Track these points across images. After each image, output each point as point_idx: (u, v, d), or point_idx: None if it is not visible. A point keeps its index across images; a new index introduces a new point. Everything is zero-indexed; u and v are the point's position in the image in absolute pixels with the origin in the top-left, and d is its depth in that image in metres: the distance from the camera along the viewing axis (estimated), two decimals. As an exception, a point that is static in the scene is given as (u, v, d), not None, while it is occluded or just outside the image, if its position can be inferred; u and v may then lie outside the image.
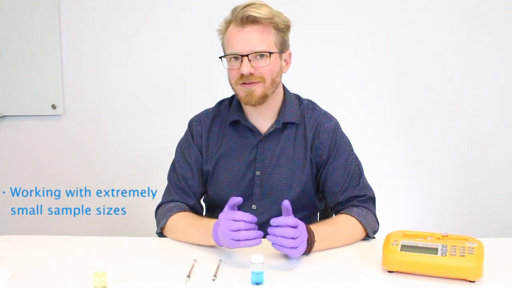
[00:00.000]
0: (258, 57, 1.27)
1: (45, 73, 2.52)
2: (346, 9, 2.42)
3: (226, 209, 1.18)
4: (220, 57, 1.34)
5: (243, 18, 1.25)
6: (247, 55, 1.26)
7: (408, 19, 2.42)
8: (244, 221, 1.12)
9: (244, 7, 1.26)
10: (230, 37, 1.29)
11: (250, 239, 1.11)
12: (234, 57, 1.28)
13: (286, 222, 1.10)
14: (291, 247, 1.10)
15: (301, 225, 1.14)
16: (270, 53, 1.28)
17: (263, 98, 1.31)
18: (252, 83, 1.28)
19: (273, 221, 1.11)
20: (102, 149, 2.58)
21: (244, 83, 1.28)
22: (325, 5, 2.42)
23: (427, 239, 1.11)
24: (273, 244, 1.11)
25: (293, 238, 1.10)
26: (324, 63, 2.45)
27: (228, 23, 1.31)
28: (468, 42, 2.41)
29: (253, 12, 1.24)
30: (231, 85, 1.34)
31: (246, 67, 1.26)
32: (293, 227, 1.11)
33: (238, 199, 1.17)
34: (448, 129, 2.48)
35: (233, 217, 1.12)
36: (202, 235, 1.26)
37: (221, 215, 1.15)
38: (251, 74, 1.27)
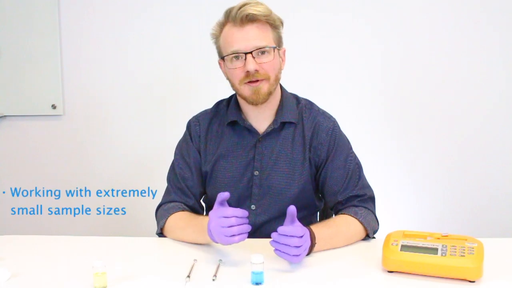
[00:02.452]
0: (261, 53, 1.27)
1: (45, 73, 2.52)
2: (346, 9, 2.42)
3: (215, 206, 1.17)
4: (222, 57, 1.32)
5: (242, 18, 1.25)
6: (250, 52, 1.25)
7: (407, 18, 2.41)
8: (236, 216, 1.11)
9: (241, 6, 1.26)
10: (229, 37, 1.28)
11: (243, 233, 1.12)
12: (235, 57, 1.27)
13: (294, 233, 1.09)
14: (293, 255, 1.10)
15: (306, 234, 1.14)
16: (273, 48, 1.28)
17: (269, 96, 1.31)
18: (258, 80, 1.28)
19: (281, 230, 1.10)
20: (102, 149, 2.58)
21: (250, 82, 1.28)
22: (323, 3, 2.42)
23: (427, 239, 1.11)
24: (275, 249, 1.11)
25: (297, 247, 1.10)
26: (323, 62, 2.44)
27: (222, 25, 1.31)
28: (466, 43, 2.41)
29: (252, 10, 1.25)
30: (233, 86, 1.33)
31: (252, 64, 1.25)
32: (299, 236, 1.10)
33: (225, 194, 1.16)
34: (449, 129, 2.47)
35: (224, 214, 1.11)
36: (198, 233, 1.26)
37: (211, 213, 1.15)
38: (257, 71, 1.26)
